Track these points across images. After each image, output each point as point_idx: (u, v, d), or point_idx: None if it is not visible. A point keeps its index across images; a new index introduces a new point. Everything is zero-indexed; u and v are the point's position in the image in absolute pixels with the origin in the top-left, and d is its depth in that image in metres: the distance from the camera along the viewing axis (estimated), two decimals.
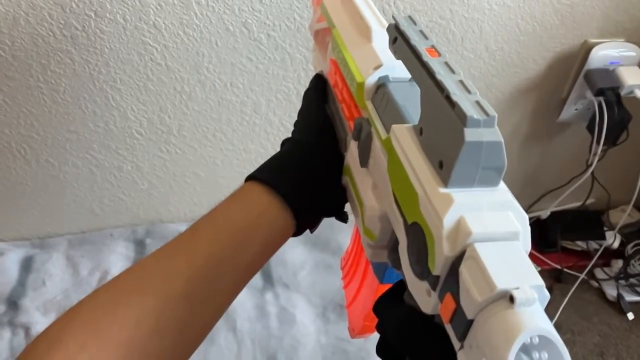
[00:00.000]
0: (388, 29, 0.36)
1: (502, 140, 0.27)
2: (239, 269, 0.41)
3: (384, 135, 0.36)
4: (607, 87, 1.02)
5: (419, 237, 0.29)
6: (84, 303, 0.37)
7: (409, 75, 0.38)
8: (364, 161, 0.40)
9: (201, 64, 0.89)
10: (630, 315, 1.29)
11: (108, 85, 0.88)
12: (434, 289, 0.28)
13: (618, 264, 1.35)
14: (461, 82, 0.29)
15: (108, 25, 0.81)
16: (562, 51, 1.05)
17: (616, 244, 1.35)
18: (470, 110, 0.27)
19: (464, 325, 0.25)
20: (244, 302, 1.00)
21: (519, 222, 0.27)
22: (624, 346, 1.25)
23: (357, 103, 0.41)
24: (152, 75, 0.89)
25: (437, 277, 0.27)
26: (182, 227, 1.09)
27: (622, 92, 1.03)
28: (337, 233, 1.13)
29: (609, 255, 1.36)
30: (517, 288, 0.23)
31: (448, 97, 0.28)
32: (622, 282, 1.32)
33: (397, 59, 0.35)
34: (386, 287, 0.42)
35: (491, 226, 0.26)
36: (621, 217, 1.29)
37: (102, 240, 1.06)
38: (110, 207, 1.07)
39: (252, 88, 0.94)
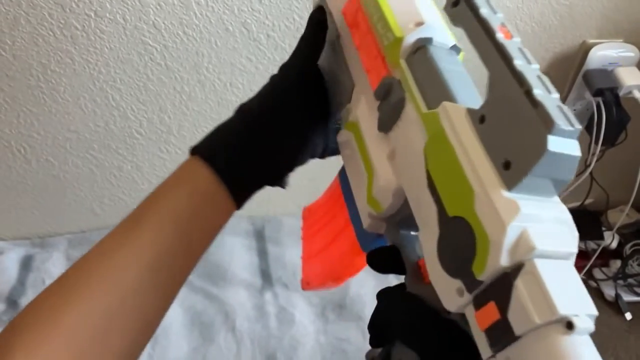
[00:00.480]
0: None
1: (580, 155, 0.26)
2: (185, 256, 0.40)
3: (423, 107, 0.33)
4: (605, 87, 1.03)
5: (464, 235, 0.27)
6: (31, 307, 0.36)
7: (451, 42, 0.36)
8: (386, 126, 0.35)
9: (201, 64, 0.89)
10: (629, 315, 1.29)
11: (108, 85, 0.89)
12: (469, 291, 0.27)
13: (616, 264, 1.35)
14: (539, 77, 0.27)
15: (108, 25, 0.82)
16: (561, 51, 1.05)
17: (614, 244, 1.35)
18: (557, 116, 0.25)
19: (506, 339, 0.24)
20: (243, 302, 1.01)
21: (573, 240, 0.27)
22: (623, 346, 1.26)
23: (388, 59, 0.36)
24: (152, 75, 0.89)
25: (480, 282, 0.26)
26: None
27: (621, 93, 1.04)
28: None
29: (607, 256, 1.37)
30: (577, 315, 0.23)
31: (529, 94, 0.26)
32: (620, 282, 1.33)
33: (455, 25, 0.31)
34: (361, 253, 0.42)
35: (552, 244, 0.25)
36: (619, 217, 1.29)
37: None
38: (111, 207, 1.08)
39: (252, 88, 0.94)
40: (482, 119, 0.29)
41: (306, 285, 0.49)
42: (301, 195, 1.15)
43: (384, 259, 0.37)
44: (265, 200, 1.11)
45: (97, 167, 1.00)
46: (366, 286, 1.03)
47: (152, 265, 0.37)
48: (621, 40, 1.05)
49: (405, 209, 0.35)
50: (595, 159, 1.12)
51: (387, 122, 0.35)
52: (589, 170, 1.15)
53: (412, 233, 0.37)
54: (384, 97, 0.36)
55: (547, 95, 0.26)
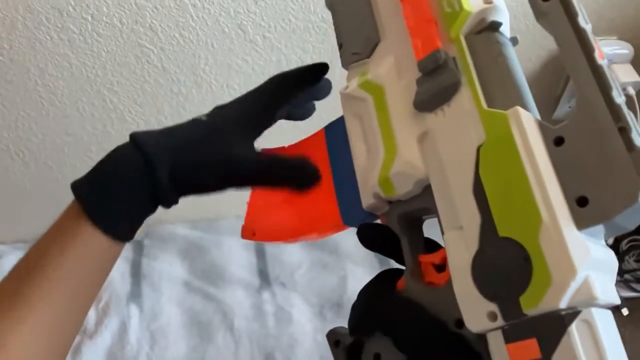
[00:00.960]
0: None
1: None
2: (80, 309, 0.38)
3: (483, 102, 0.29)
4: None
5: (516, 263, 0.25)
6: None
7: (508, 31, 0.32)
8: (427, 106, 0.31)
9: (197, 65, 0.90)
10: (625, 311, 1.30)
11: (105, 87, 0.89)
12: (505, 319, 0.25)
13: None
14: (628, 113, 0.25)
15: (105, 28, 0.82)
16: (556, 49, 1.06)
17: (610, 240, 1.36)
18: None
19: None
20: (241, 301, 1.01)
21: (615, 289, 0.26)
22: None
23: (444, 30, 0.31)
24: (149, 77, 0.89)
25: (523, 314, 0.25)
26: (180, 228, 1.11)
27: None
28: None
29: None
30: None
31: (625, 134, 0.24)
32: (617, 278, 1.33)
33: (540, 22, 0.28)
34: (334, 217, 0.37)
35: (607, 294, 0.24)
36: None
37: None
38: None
39: (248, 89, 0.95)
40: (558, 141, 0.26)
41: (251, 235, 0.43)
42: None
43: (378, 238, 0.35)
44: None
45: None
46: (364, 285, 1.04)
47: (43, 327, 0.36)
48: (615, 38, 1.05)
49: (421, 200, 0.32)
50: None
51: (430, 102, 0.31)
52: None
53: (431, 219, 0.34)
54: (432, 72, 0.31)
55: (638, 138, 0.24)
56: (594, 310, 0.23)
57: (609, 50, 1.04)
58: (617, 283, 1.33)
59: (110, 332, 0.95)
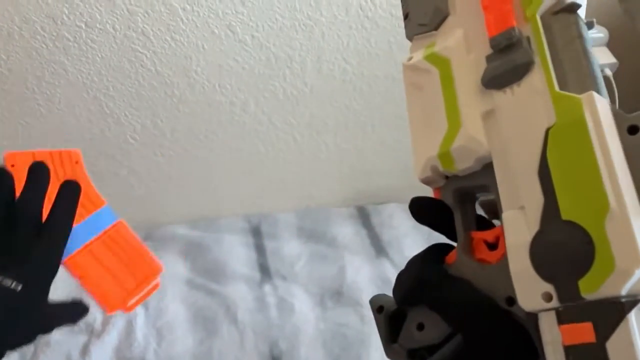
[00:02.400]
0: None
1: None
2: None
3: (556, 85, 0.29)
4: None
5: (579, 246, 0.25)
6: None
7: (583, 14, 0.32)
8: (496, 84, 0.31)
9: (189, 67, 0.93)
10: None
11: (101, 93, 0.92)
12: (561, 300, 0.25)
13: None
14: None
15: (99, 35, 0.85)
16: None
17: None
18: None
19: None
20: (243, 295, 1.04)
21: None
22: None
23: (520, 6, 0.31)
24: (143, 80, 0.92)
25: (581, 298, 0.25)
26: (180, 229, 1.14)
27: None
28: (332, 225, 1.17)
29: None
30: None
31: None
32: None
33: (623, 7, 0.27)
34: None
35: None
36: None
37: None
38: None
39: (240, 88, 0.98)
40: (633, 130, 0.26)
41: (111, 308, 0.53)
42: (294, 193, 1.18)
43: (432, 211, 0.35)
44: (259, 198, 1.14)
45: (93, 174, 1.02)
46: (362, 273, 1.07)
47: None
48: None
49: (480, 177, 0.32)
50: None
51: (500, 79, 0.30)
52: None
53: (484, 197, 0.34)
54: (504, 50, 0.30)
55: None
56: None
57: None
58: None
59: (117, 331, 0.97)
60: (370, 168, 1.19)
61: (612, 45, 1.15)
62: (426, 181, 0.34)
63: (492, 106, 0.31)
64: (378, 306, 0.36)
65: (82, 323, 0.96)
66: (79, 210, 0.48)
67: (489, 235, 0.32)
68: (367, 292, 1.05)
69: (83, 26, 0.84)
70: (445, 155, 0.32)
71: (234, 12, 0.88)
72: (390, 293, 0.35)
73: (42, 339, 0.93)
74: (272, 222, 1.17)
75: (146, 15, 0.85)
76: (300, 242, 1.14)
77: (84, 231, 0.52)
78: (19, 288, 0.42)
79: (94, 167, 1.02)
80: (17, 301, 0.42)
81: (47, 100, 0.91)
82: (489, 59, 0.31)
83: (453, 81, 0.33)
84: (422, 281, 0.33)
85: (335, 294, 1.05)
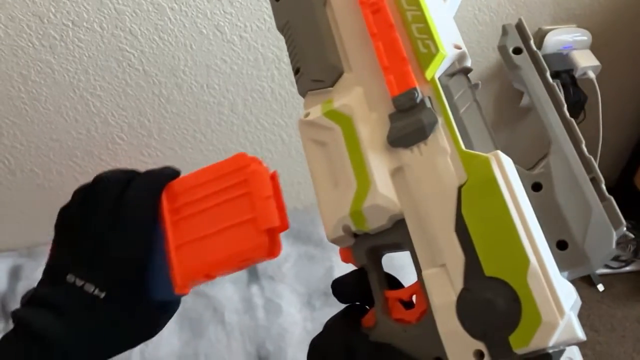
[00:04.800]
0: (508, 29, 0.31)
1: None
2: None
3: (462, 144, 0.30)
4: (562, 70, 1.09)
5: (505, 302, 0.26)
6: None
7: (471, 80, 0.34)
8: (403, 143, 0.31)
9: (177, 67, 0.93)
10: (600, 287, 1.35)
11: (88, 92, 0.91)
12: (494, 358, 0.26)
13: None
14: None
15: (85, 33, 0.85)
16: None
17: None
18: (621, 217, 0.26)
19: None
20: (230, 295, 1.04)
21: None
22: (596, 315, 1.32)
23: (419, 69, 0.32)
24: (131, 80, 0.92)
25: (512, 353, 0.25)
26: None
27: (577, 74, 1.10)
28: (320, 226, 1.17)
29: None
30: None
31: (596, 183, 0.26)
32: None
33: (510, 70, 0.30)
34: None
35: (581, 332, 0.26)
36: None
37: None
38: None
39: (228, 88, 0.98)
40: (537, 187, 0.28)
41: (182, 287, 0.39)
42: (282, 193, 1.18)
43: (351, 287, 0.35)
44: None
45: (80, 175, 1.03)
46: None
47: None
48: (574, 25, 1.11)
49: (393, 235, 0.32)
50: None
51: (406, 138, 0.31)
52: None
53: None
54: (407, 110, 0.31)
55: (603, 188, 0.26)
56: (574, 348, 0.26)
57: (569, 37, 1.10)
58: None
59: None
60: None
61: (594, 48, 1.17)
62: (337, 241, 0.34)
63: (400, 164, 0.31)
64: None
65: None
66: None
67: (403, 293, 0.32)
68: None
69: (70, 25, 0.83)
70: (357, 214, 0.32)
71: (222, 12, 0.88)
72: None
73: None
74: None
75: (134, 14, 0.85)
76: (288, 243, 1.14)
77: None
78: (103, 295, 0.36)
79: (81, 167, 1.01)
80: (104, 308, 0.36)
81: (33, 100, 0.90)
82: (392, 117, 0.32)
83: (357, 139, 0.33)
84: (350, 352, 0.32)
85: (322, 295, 1.05)
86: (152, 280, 0.38)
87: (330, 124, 0.35)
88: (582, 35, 1.11)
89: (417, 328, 0.30)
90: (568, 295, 0.25)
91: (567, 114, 0.28)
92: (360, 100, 0.34)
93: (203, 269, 0.39)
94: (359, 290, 0.34)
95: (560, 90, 1.09)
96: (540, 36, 1.09)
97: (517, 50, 0.30)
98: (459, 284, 0.27)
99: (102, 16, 0.83)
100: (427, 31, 0.32)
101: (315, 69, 0.37)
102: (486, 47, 1.10)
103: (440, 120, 0.31)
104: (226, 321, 1.00)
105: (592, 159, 0.27)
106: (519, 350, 0.25)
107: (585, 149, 0.27)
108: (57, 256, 0.38)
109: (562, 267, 0.26)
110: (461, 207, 0.28)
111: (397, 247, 0.32)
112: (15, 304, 0.97)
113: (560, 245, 0.26)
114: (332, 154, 0.34)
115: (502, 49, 0.31)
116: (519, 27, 0.30)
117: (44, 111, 0.92)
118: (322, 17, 0.37)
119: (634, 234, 1.38)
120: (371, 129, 0.33)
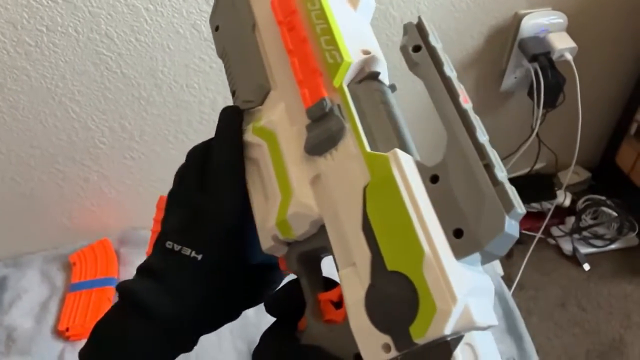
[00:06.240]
0: (409, 28, 0.31)
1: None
2: None
3: (367, 145, 0.31)
4: (539, 53, 1.09)
5: (405, 294, 0.27)
6: None
7: (388, 81, 0.35)
8: (317, 151, 0.33)
9: (156, 68, 0.92)
10: (587, 266, 1.37)
11: (67, 97, 0.90)
12: (398, 349, 0.27)
13: (571, 220, 1.44)
14: (492, 151, 0.27)
15: (61, 38, 0.84)
16: (496, 24, 1.12)
17: (567, 202, 1.43)
18: (515, 199, 0.26)
19: None
20: None
21: (494, 313, 0.28)
22: (584, 295, 1.34)
23: (328, 79, 0.34)
24: (109, 83, 0.91)
25: (414, 343, 0.26)
26: None
27: (554, 57, 1.10)
28: None
29: (562, 214, 1.45)
30: None
31: (489, 169, 0.26)
32: (576, 236, 1.41)
33: (412, 70, 0.30)
34: None
35: (485, 318, 0.26)
36: (569, 177, 1.37)
37: None
38: (81, 220, 1.09)
39: (208, 87, 0.98)
40: (434, 179, 0.28)
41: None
42: None
43: (280, 301, 0.35)
44: None
45: (63, 181, 1.02)
46: None
47: None
48: (550, 8, 1.12)
49: (318, 240, 0.33)
50: (539, 122, 1.19)
51: (319, 146, 0.33)
52: (535, 133, 1.22)
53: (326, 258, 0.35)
54: (320, 119, 0.33)
55: (502, 174, 0.26)
56: (475, 334, 0.26)
57: (545, 20, 1.11)
58: (577, 240, 1.41)
59: None
60: None
61: (570, 30, 1.18)
62: (270, 251, 0.36)
63: (318, 172, 0.33)
64: None
65: (57, 330, 0.94)
66: None
67: (333, 294, 0.33)
68: None
69: (44, 30, 0.82)
70: (282, 224, 0.34)
71: (198, 10, 0.88)
72: None
73: (13, 345, 0.91)
74: None
75: (109, 16, 0.84)
76: None
77: None
78: (200, 257, 0.36)
79: (63, 174, 1.00)
80: (203, 271, 0.36)
81: (11, 108, 0.89)
82: (308, 128, 0.33)
83: (280, 152, 0.35)
84: (279, 358, 0.33)
85: None
86: (250, 246, 0.38)
87: (259, 141, 0.37)
88: (557, 18, 1.12)
89: (342, 327, 0.31)
90: (462, 282, 0.26)
91: (463, 103, 0.28)
92: (283, 115, 0.36)
93: None
94: (288, 302, 0.35)
95: (538, 74, 1.10)
96: (517, 20, 1.10)
97: (417, 48, 0.30)
98: (366, 281, 0.29)
99: (77, 20, 0.82)
100: (333, 42, 0.33)
101: (246, 90, 0.38)
102: (463, 33, 1.10)
103: (347, 126, 0.32)
104: None
105: (485, 145, 0.27)
106: (419, 340, 0.26)
107: (480, 136, 0.27)
108: (161, 228, 0.38)
109: (459, 255, 0.27)
110: (366, 207, 0.29)
111: (325, 250, 0.33)
112: (3, 315, 0.96)
113: (456, 234, 0.27)
114: (262, 169, 0.36)
115: (402, 49, 0.31)
116: (419, 26, 0.31)
117: (23, 119, 0.91)
118: (251, 41, 0.38)
119: (617, 212, 1.40)
120: (292, 141, 0.35)
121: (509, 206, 0.25)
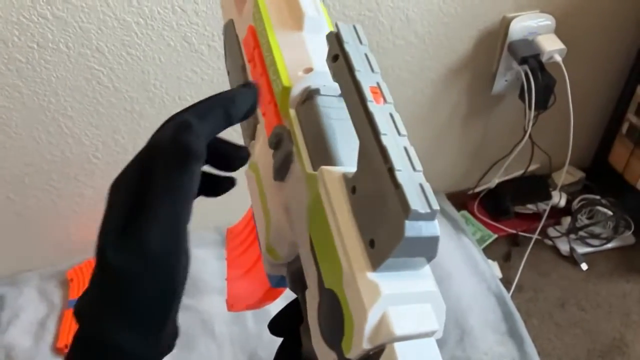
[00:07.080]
0: (328, 38, 0.31)
1: (439, 235, 0.25)
2: None
3: (308, 167, 0.31)
4: (529, 55, 1.10)
5: (336, 311, 0.27)
6: None
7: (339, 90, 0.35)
8: (279, 176, 0.34)
9: (148, 81, 0.92)
10: (584, 266, 1.38)
11: (59, 113, 0.91)
12: None
13: (567, 220, 1.44)
14: (406, 149, 0.26)
15: (52, 54, 0.84)
16: (485, 28, 1.12)
17: (563, 202, 1.43)
18: (415, 200, 0.24)
19: None
20: (219, 307, 1.03)
21: (437, 315, 0.26)
22: (583, 294, 1.34)
23: (279, 107, 0.35)
24: (102, 98, 0.91)
25: (347, 359, 0.26)
26: None
27: (544, 59, 1.11)
28: None
29: (558, 214, 1.45)
30: None
31: (392, 172, 0.25)
32: (573, 236, 1.41)
33: (335, 81, 0.30)
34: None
35: (411, 326, 0.25)
36: (563, 177, 1.37)
37: None
38: (77, 235, 1.09)
39: (200, 99, 0.98)
40: (354, 190, 0.28)
41: (230, 307, 0.46)
42: None
43: (280, 324, 0.37)
44: (229, 209, 1.14)
45: (58, 198, 1.02)
46: None
47: None
48: (537, 11, 1.13)
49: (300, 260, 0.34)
50: (531, 124, 1.20)
51: (279, 172, 0.34)
52: (527, 135, 1.22)
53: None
54: (276, 146, 0.34)
55: (410, 174, 0.25)
56: (395, 345, 0.25)
57: (533, 22, 1.12)
58: (574, 240, 1.41)
59: None
60: None
61: (559, 32, 1.19)
62: (272, 272, 0.38)
63: (286, 199, 0.34)
64: None
65: (55, 348, 0.94)
66: None
67: None
68: None
69: (35, 47, 0.82)
70: (269, 248, 0.36)
71: (188, 23, 0.88)
72: None
73: (11, 352, 0.91)
74: None
75: (100, 31, 0.84)
76: None
77: None
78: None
79: (58, 190, 1.00)
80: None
81: (4, 125, 0.89)
82: (273, 156, 0.35)
83: (262, 182, 0.37)
84: None
85: None
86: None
87: (250, 173, 0.38)
88: (545, 20, 1.12)
89: None
90: (376, 293, 0.25)
91: (370, 106, 0.27)
92: (262, 147, 0.37)
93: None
94: (289, 321, 0.36)
95: (529, 76, 1.11)
96: (506, 24, 1.11)
97: (335, 58, 0.30)
98: (316, 299, 0.29)
99: (68, 36, 0.83)
100: (276, 71, 0.34)
101: (244, 125, 0.40)
102: (453, 38, 1.11)
103: (294, 149, 0.33)
104: (216, 333, 1.00)
105: (388, 148, 0.25)
106: (349, 355, 0.26)
107: (383, 139, 0.26)
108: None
109: (375, 265, 0.26)
110: (309, 227, 0.30)
111: None
112: (1, 334, 0.95)
113: (371, 244, 0.26)
114: (253, 200, 0.39)
115: (327, 61, 0.31)
116: (337, 35, 0.30)
117: (16, 136, 0.91)
118: (244, 80, 0.40)
119: (612, 211, 1.41)
120: (266, 170, 0.36)
121: (406, 209, 0.24)
